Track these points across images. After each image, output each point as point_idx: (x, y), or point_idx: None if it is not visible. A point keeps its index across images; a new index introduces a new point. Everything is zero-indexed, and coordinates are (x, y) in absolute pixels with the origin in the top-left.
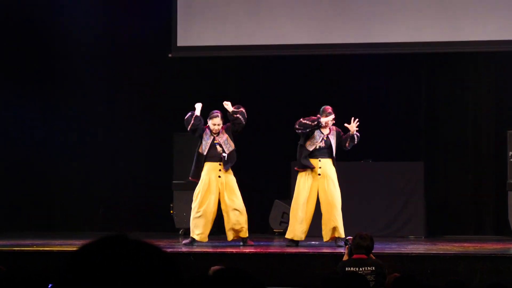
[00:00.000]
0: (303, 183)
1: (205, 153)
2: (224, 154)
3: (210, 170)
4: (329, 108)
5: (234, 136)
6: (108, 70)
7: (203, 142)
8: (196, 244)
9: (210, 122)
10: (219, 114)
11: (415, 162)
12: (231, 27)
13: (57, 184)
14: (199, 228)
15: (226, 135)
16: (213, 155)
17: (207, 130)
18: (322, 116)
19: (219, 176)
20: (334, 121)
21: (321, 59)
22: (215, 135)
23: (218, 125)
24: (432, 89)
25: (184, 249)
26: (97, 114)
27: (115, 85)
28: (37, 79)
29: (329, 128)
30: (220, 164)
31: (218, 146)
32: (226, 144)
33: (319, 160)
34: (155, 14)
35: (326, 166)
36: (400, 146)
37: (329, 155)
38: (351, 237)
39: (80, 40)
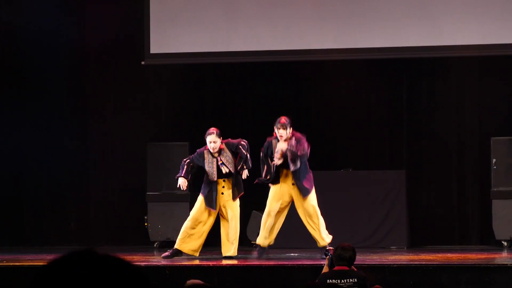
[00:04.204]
0: None
1: (215, 179)
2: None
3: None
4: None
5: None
6: (79, 79)
7: (207, 169)
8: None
9: (207, 140)
10: (214, 132)
11: (397, 170)
12: (206, 33)
13: (26, 196)
14: None
15: (228, 153)
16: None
17: (206, 155)
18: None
19: (222, 193)
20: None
21: (300, 65)
22: (217, 156)
23: (214, 142)
24: (414, 96)
25: (162, 262)
26: (67, 125)
27: (86, 94)
28: (4, 88)
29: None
30: (223, 181)
31: (223, 167)
32: (230, 164)
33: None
34: (127, 20)
35: None
36: (381, 154)
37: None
38: (331, 248)
39: (49, 48)
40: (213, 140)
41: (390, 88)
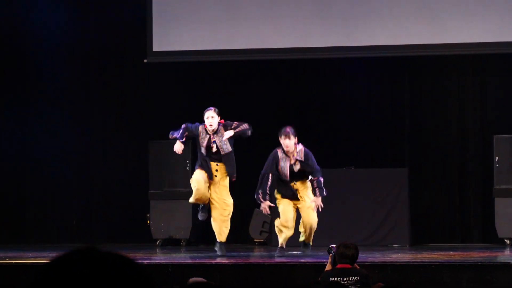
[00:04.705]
0: None
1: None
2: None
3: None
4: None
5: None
6: (81, 76)
7: (201, 142)
8: None
9: (204, 117)
10: (212, 108)
11: (399, 168)
12: (208, 31)
13: (28, 194)
14: None
15: (223, 135)
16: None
17: (201, 129)
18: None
19: (215, 176)
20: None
21: (302, 63)
22: (211, 134)
23: (212, 117)
24: (415, 93)
25: (162, 260)
26: (70, 122)
27: (88, 91)
28: (8, 86)
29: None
30: (216, 165)
31: (214, 145)
32: (224, 145)
33: None
34: (129, 18)
35: None
36: (384, 152)
37: None
38: (334, 246)
39: (52, 46)
40: (211, 116)
41: (392, 86)
